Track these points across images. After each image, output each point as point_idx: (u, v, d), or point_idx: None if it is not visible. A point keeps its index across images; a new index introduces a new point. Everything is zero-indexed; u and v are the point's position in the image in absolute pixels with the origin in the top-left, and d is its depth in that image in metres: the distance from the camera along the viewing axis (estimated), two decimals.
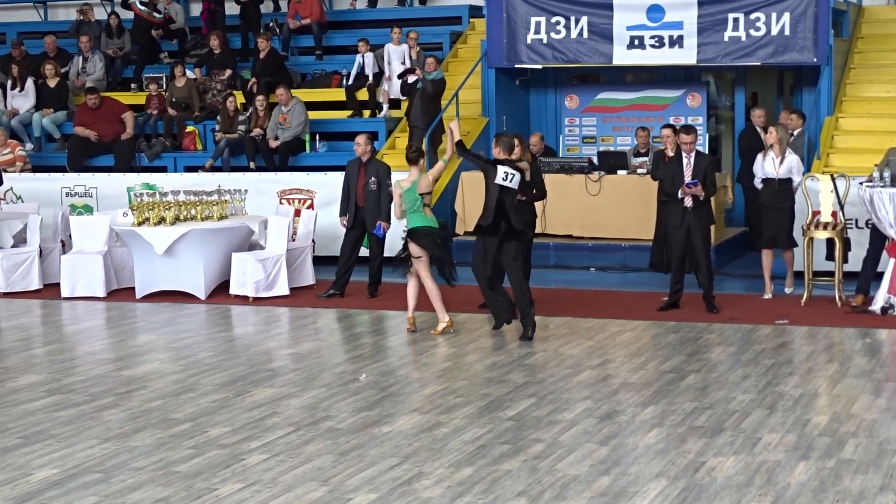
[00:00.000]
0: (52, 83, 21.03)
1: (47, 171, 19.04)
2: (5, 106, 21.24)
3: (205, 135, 20.23)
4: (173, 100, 20.42)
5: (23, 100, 21.10)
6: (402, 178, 12.99)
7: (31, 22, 25.04)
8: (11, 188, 17.92)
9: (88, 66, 21.65)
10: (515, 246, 12.46)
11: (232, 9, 22.33)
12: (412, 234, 12.52)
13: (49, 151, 20.66)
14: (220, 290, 15.05)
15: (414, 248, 12.48)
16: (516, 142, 12.79)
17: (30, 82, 21.16)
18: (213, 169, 18.86)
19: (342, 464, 8.16)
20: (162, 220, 14.87)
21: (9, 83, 21.36)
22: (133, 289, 15.19)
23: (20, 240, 16.05)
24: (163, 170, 19.49)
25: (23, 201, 17.77)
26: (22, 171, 18.63)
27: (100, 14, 23.22)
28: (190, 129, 20.24)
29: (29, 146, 20.30)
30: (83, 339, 13.21)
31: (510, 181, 12.27)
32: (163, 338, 12.82)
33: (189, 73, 20.81)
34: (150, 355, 11.97)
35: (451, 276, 12.81)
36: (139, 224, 14.88)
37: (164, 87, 20.88)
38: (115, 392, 10.31)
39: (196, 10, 23.30)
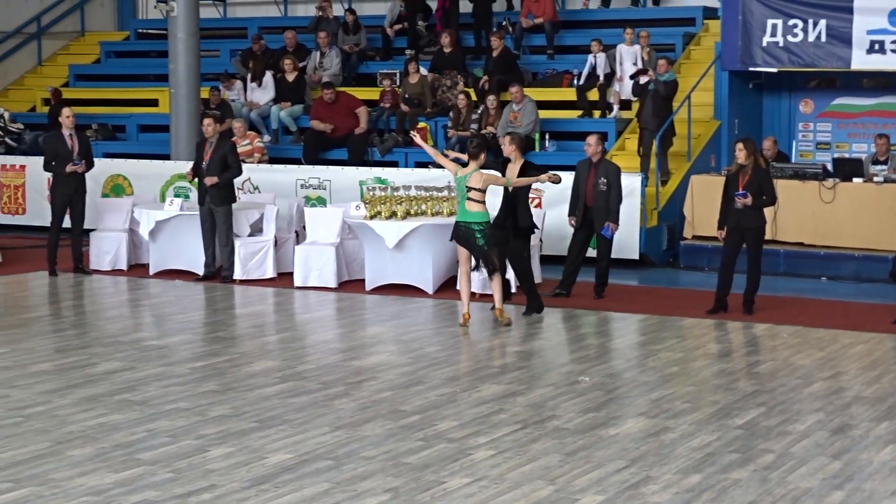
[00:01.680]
0: (290, 77, 21.59)
1: (283, 162, 19.55)
2: (245, 99, 21.89)
3: (436, 131, 20.49)
4: (406, 96, 20.73)
5: (262, 93, 21.73)
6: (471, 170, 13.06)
7: (272, 17, 25.76)
8: (249, 179, 18.46)
9: (325, 62, 22.14)
10: (521, 244, 13.42)
11: (466, 7, 22.56)
12: (455, 230, 13.02)
13: (285, 144, 21.21)
14: (448, 285, 15.22)
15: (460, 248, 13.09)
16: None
17: (269, 76, 21.78)
18: None
19: (569, 464, 8.18)
20: (393, 215, 15.12)
21: (249, 77, 22.02)
22: (363, 280, 15.47)
23: (256, 229, 16.52)
24: (394, 165, 19.81)
25: (260, 192, 18.29)
26: (259, 162, 19.18)
27: (338, 10, 23.72)
28: (421, 125, 20.51)
29: (266, 138, 20.88)
30: (315, 328, 13.55)
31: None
32: (391, 330, 13.05)
33: (422, 70, 21.10)
34: (379, 347, 12.20)
35: (492, 269, 13.00)
36: (371, 217, 15.16)
37: (398, 83, 21.22)
38: (346, 381, 10.54)
39: (431, 7, 23.57)
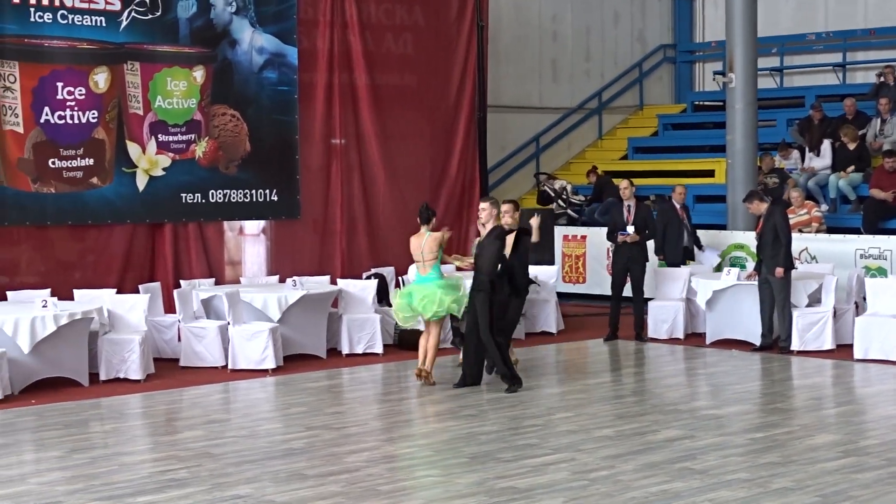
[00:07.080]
0: (850, 145, 21.14)
1: (842, 232, 19.14)
2: (802, 168, 21.67)
3: None
4: None
5: (819, 162, 21.43)
6: None
7: (830, 85, 25.41)
8: (807, 248, 18.22)
9: (886, 129, 21.55)
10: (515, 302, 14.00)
11: None
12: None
13: (844, 213, 20.78)
14: None
15: None
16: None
17: (826, 144, 21.46)
18: None
19: None
20: None
21: (806, 146, 21.80)
22: None
23: (814, 299, 16.27)
24: None
25: (818, 262, 18.00)
26: (817, 231, 18.89)
27: None
28: None
29: (824, 207, 20.54)
30: (877, 401, 13.14)
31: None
32: None
33: None
34: None
35: None
36: None
37: None
38: None
39: None
